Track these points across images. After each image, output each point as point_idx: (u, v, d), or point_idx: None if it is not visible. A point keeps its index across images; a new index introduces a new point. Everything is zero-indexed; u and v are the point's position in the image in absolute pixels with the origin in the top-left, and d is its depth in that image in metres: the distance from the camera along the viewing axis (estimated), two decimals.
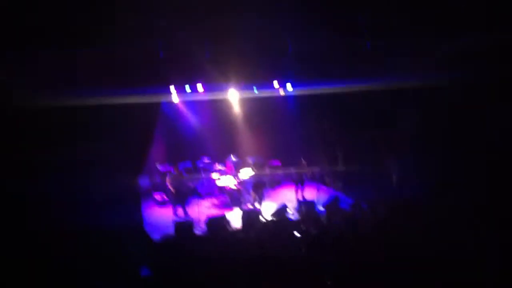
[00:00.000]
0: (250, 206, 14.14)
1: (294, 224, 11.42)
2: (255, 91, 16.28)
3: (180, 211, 14.01)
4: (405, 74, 12.80)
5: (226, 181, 15.02)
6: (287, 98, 17.04)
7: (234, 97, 16.61)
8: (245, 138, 17.78)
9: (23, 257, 8.06)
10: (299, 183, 15.11)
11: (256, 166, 16.70)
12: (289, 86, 16.27)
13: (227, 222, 12.10)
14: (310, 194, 15.20)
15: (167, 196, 14.67)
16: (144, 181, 15.11)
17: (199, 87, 15.05)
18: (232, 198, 14.75)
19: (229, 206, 14.49)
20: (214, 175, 15.40)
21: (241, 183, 15.20)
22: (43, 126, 9.46)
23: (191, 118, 16.93)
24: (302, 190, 15.15)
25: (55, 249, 8.57)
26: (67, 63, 9.63)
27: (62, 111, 9.47)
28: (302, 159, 15.29)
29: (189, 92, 15.25)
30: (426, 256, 8.27)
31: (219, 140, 17.17)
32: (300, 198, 14.80)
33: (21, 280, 7.50)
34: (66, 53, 9.53)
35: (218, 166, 15.89)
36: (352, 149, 15.44)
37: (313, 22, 12.06)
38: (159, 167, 16.05)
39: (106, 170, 10.44)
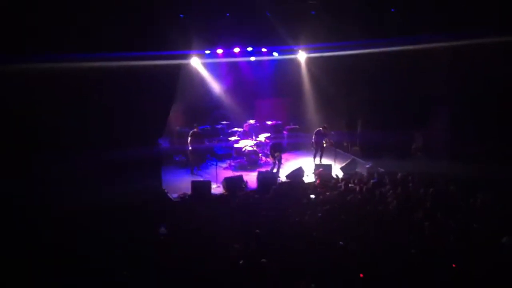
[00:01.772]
0: (267, 169, 14.28)
1: (310, 187, 11.57)
2: (275, 54, 16.20)
3: (198, 171, 14.34)
4: (428, 37, 12.51)
5: (244, 143, 15.16)
6: (306, 61, 16.83)
7: (253, 60, 16.50)
8: (264, 101, 17.78)
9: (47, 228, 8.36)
10: (316, 146, 15.11)
11: (274, 129, 16.76)
12: (308, 49, 16.12)
13: (244, 183, 12.31)
14: (327, 157, 15.25)
15: (185, 157, 14.90)
16: (164, 143, 15.34)
17: (219, 50, 15.07)
18: (249, 160, 14.93)
19: (246, 168, 14.69)
20: (232, 138, 15.53)
21: (258, 145, 15.33)
22: (59, 92, 9.57)
23: (211, 82, 16.92)
24: (320, 154, 15.17)
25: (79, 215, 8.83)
26: (87, 26, 9.63)
27: (81, 74, 9.57)
28: (321, 123, 15.25)
29: (209, 55, 15.27)
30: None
31: (238, 103, 17.19)
32: (317, 162, 14.86)
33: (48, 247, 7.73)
34: (85, 17, 9.53)
35: (237, 129, 16.00)
36: (370, 114, 15.31)
37: None
38: (178, 129, 16.22)
39: (127, 133, 10.65)
